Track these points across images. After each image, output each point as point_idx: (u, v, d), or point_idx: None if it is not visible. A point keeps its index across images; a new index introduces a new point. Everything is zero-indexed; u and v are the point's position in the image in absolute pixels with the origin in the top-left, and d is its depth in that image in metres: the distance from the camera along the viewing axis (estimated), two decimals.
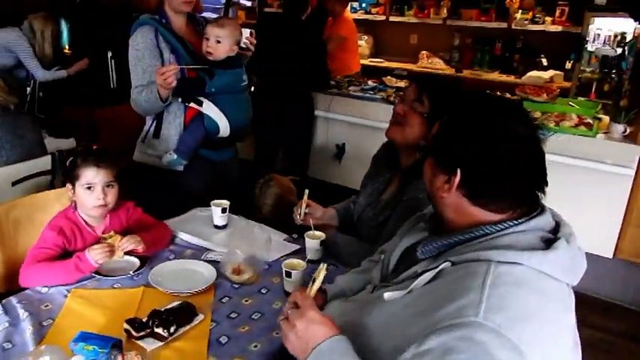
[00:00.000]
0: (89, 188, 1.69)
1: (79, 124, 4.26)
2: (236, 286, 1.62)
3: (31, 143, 2.34)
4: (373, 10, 5.71)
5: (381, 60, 5.71)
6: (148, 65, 2.21)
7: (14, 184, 2.20)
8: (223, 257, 1.69)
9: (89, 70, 4.18)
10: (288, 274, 1.56)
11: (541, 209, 1.05)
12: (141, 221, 1.87)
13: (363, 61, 5.67)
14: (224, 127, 2.27)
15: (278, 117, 3.48)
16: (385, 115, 3.52)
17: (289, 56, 3.40)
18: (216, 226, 1.98)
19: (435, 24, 5.28)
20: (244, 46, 2.39)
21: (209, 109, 2.25)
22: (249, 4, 5.60)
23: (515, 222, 1.01)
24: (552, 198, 1.07)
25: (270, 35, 3.40)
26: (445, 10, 5.20)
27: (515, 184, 1.02)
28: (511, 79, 4.82)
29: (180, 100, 2.26)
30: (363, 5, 5.77)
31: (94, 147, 1.77)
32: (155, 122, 2.33)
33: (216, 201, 1.99)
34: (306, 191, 1.83)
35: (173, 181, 2.34)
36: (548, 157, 1.05)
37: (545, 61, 4.76)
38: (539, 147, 1.04)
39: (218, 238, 1.91)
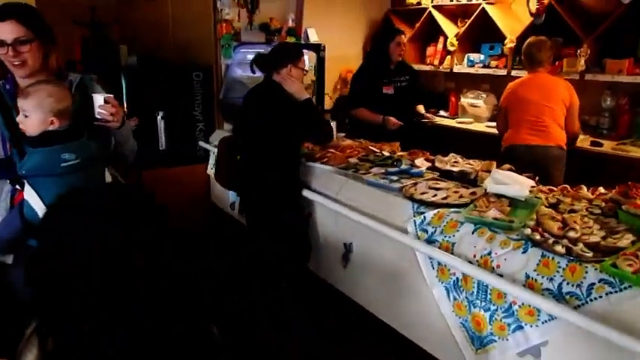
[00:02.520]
0: None
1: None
2: None
3: None
4: (493, 63, 4.53)
5: None
6: None
7: None
8: None
9: (138, 131, 4.01)
10: None
11: None
12: None
13: (477, 127, 4.52)
14: None
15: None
16: (395, 216, 2.50)
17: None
18: None
19: (571, 79, 3.87)
20: (99, 117, 1.86)
21: (29, 193, 1.78)
22: None
23: None
24: None
25: None
26: (583, 61, 3.78)
27: None
28: None
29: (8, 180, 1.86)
30: (482, 58, 4.62)
31: None
32: None
33: None
34: None
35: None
36: None
37: None
38: None
39: None
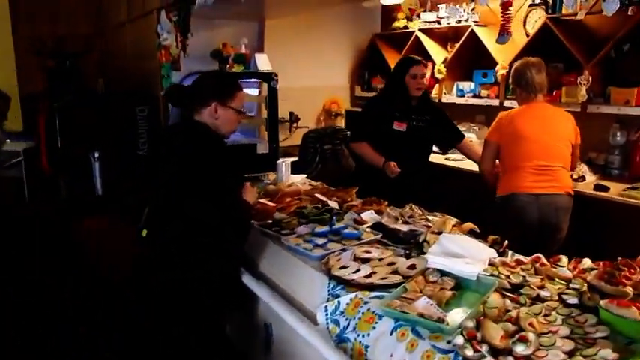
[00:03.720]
0: None
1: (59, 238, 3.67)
2: None
3: None
4: (483, 93, 3.95)
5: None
6: None
7: None
8: None
9: (75, 175, 3.57)
10: None
11: None
12: None
13: (468, 166, 3.90)
14: None
15: None
16: (309, 297, 1.85)
17: None
18: None
19: (571, 111, 3.24)
20: None
21: None
22: None
23: None
24: None
25: None
26: (584, 90, 3.17)
27: None
28: None
29: None
30: (472, 87, 4.05)
31: None
32: None
33: None
34: None
35: None
36: None
37: None
38: None
39: None
